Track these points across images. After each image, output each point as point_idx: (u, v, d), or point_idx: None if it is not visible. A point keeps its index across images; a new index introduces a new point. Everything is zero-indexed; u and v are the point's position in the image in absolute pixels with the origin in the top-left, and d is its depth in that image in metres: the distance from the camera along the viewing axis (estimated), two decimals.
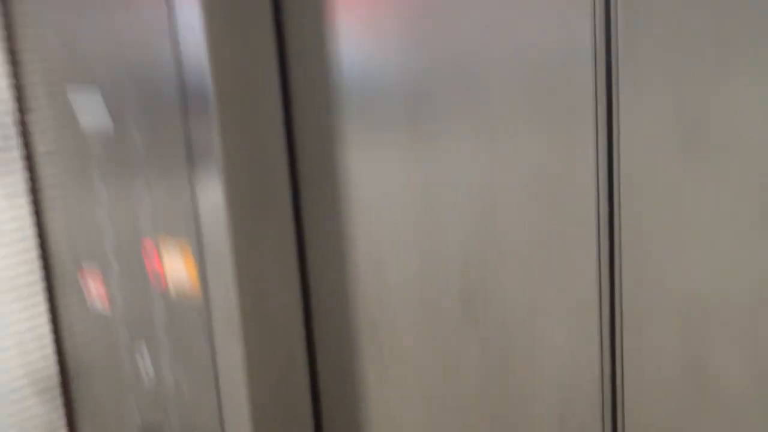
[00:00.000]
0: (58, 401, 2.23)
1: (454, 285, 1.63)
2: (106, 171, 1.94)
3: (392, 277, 1.73)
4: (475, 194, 1.57)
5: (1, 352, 2.13)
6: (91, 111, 1.92)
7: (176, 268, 1.83)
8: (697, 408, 1.37)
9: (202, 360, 1.83)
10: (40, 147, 2.12)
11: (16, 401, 2.17)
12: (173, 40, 1.69)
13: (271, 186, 1.81)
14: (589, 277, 1.44)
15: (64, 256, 2.14)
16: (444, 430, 1.72)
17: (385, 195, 1.71)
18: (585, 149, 1.40)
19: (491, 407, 1.63)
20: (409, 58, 1.61)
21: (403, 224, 1.69)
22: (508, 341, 1.57)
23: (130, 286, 1.96)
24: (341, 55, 1.70)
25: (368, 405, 1.84)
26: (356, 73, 1.70)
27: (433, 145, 1.61)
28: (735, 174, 1.27)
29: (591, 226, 1.42)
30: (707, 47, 1.25)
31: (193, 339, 1.84)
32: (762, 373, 1.29)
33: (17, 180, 2.13)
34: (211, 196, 1.71)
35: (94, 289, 2.06)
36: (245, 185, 1.74)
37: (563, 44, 1.40)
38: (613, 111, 1.37)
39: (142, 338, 1.97)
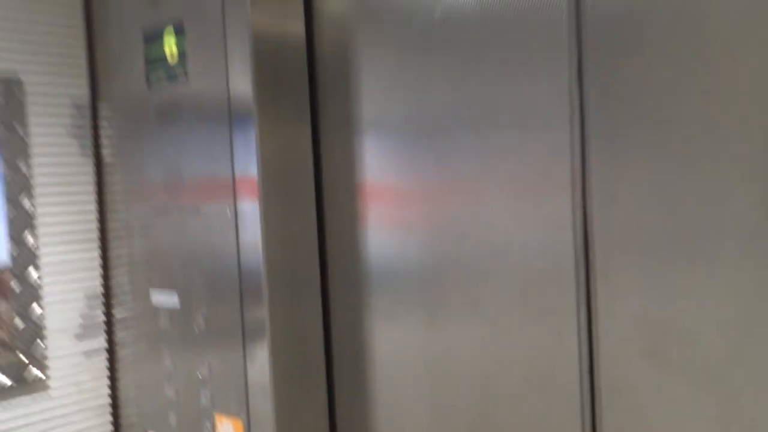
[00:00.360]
0: None
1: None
2: (171, 342, 1.98)
3: None
4: (477, 374, 1.59)
5: None
6: (163, 296, 2.00)
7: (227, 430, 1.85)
8: None
9: None
10: (118, 314, 2.18)
11: None
12: (236, 240, 1.77)
13: (309, 360, 1.82)
14: None
15: (134, 418, 2.14)
16: None
17: (403, 366, 1.72)
18: (569, 343, 1.43)
19: None
20: (425, 254, 1.67)
21: (418, 392, 1.70)
22: None
23: None
24: (370, 247, 1.77)
25: None
26: (382, 263, 1.76)
27: (443, 328, 1.64)
28: (694, 375, 1.28)
29: (575, 409, 1.43)
30: (670, 268, 1.30)
31: None
32: None
33: (99, 341, 2.19)
34: (260, 371, 1.74)
35: None
36: (288, 361, 1.77)
37: (551, 257, 1.45)
38: (592, 316, 1.40)
39: None
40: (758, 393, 1.22)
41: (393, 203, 1.74)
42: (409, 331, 1.71)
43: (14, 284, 2.02)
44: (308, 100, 1.84)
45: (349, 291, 1.83)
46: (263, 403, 1.75)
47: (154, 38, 1.95)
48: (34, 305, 2.06)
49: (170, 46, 1.91)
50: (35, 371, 2.05)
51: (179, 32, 1.88)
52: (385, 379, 1.77)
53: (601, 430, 1.40)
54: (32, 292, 2.06)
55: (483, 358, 1.58)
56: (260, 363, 1.75)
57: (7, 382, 2.01)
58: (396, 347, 1.75)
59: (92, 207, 2.18)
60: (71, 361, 2.14)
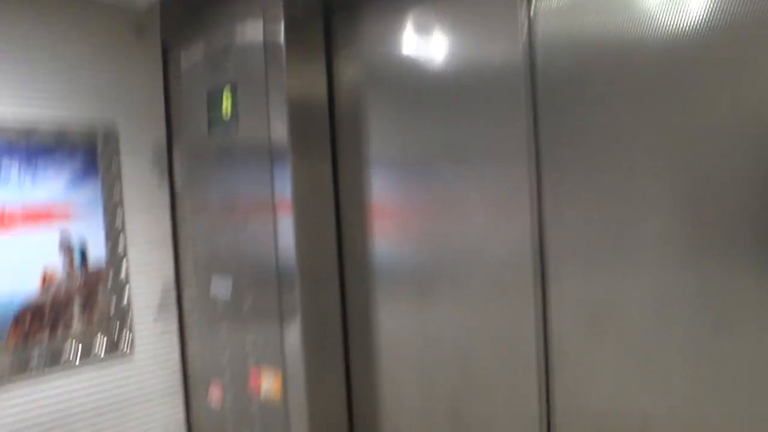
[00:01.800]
0: None
1: (444, 396, 1.57)
2: (226, 320, 1.90)
3: (405, 389, 1.66)
4: (456, 343, 1.53)
5: (154, 427, 2.04)
6: (219, 287, 1.91)
7: (267, 383, 1.78)
8: None
9: None
10: (186, 297, 2.09)
11: None
12: (275, 245, 1.71)
13: (330, 332, 1.76)
14: (530, 394, 1.38)
15: (198, 374, 2.07)
16: None
17: (401, 338, 1.66)
18: (528, 319, 1.37)
19: None
20: (416, 255, 1.61)
21: (411, 357, 1.64)
22: None
23: (237, 393, 1.88)
24: (376, 250, 1.71)
25: None
26: (385, 261, 1.70)
27: (431, 310, 1.58)
28: (621, 339, 1.24)
29: (532, 367, 1.37)
30: (604, 266, 1.25)
31: (276, 427, 1.77)
32: None
33: (172, 320, 2.11)
34: (294, 340, 1.69)
35: (215, 395, 1.97)
36: (314, 333, 1.71)
37: (514, 257, 1.39)
38: (546, 299, 1.35)
39: (243, 426, 1.89)
40: (666, 352, 1.19)
41: (392, 217, 1.68)
42: (405, 312, 1.66)
43: (110, 278, 1.94)
44: (329, 141, 1.78)
45: (361, 282, 1.76)
46: (296, 363, 1.69)
47: (215, 95, 1.87)
48: (125, 294, 1.98)
49: (227, 103, 1.82)
50: (124, 345, 1.98)
51: (234, 90, 1.80)
52: (387, 347, 1.71)
53: (553, 382, 1.36)
54: (122, 284, 1.98)
55: (461, 331, 1.52)
56: (294, 334, 1.68)
57: (104, 353, 1.94)
58: (396, 323, 1.69)
59: (167, 219, 2.09)
60: (151, 335, 2.05)
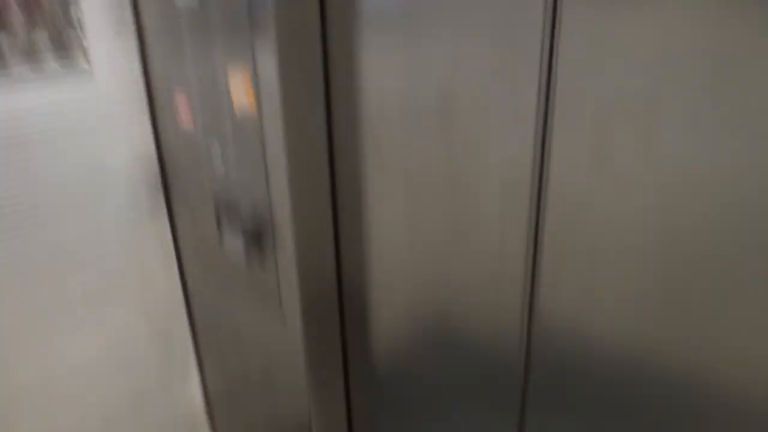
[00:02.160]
0: (160, 188, 2.13)
1: (432, 103, 1.48)
2: (191, 30, 1.76)
3: (390, 106, 1.58)
4: (447, 66, 1.41)
5: (120, 152, 2.00)
6: None
7: (240, 95, 1.71)
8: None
9: (257, 156, 1.75)
10: (145, 9, 1.89)
11: (131, 189, 2.07)
12: None
13: (307, 55, 1.62)
14: (528, 103, 1.28)
15: (161, 81, 1.95)
16: (419, 201, 1.63)
17: (386, 70, 1.55)
18: (532, 46, 1.24)
19: (453, 182, 1.53)
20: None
21: (397, 82, 1.53)
22: (466, 138, 1.44)
23: (208, 110, 1.81)
24: None
25: (368, 184, 1.74)
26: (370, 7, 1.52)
27: (419, 42, 1.46)
28: (642, 21, 1.11)
29: (534, 66, 1.25)
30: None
31: (251, 143, 1.75)
32: None
33: (130, 32, 1.92)
34: (267, 50, 1.56)
35: (182, 109, 1.88)
36: (289, 50, 1.58)
37: None
38: (555, 34, 1.20)
39: (215, 143, 1.87)
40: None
41: None
42: (391, 47, 1.51)
43: None
44: None
45: (344, 20, 1.59)
46: (271, 78, 1.58)
47: None
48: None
49: None
50: (79, 58, 1.80)
51: None
52: (372, 79, 1.59)
53: (553, 101, 1.26)
54: None
55: (452, 57, 1.39)
56: (267, 49, 1.55)
57: (61, 70, 1.78)
58: (382, 59, 1.55)
59: None
60: (109, 50, 1.86)
